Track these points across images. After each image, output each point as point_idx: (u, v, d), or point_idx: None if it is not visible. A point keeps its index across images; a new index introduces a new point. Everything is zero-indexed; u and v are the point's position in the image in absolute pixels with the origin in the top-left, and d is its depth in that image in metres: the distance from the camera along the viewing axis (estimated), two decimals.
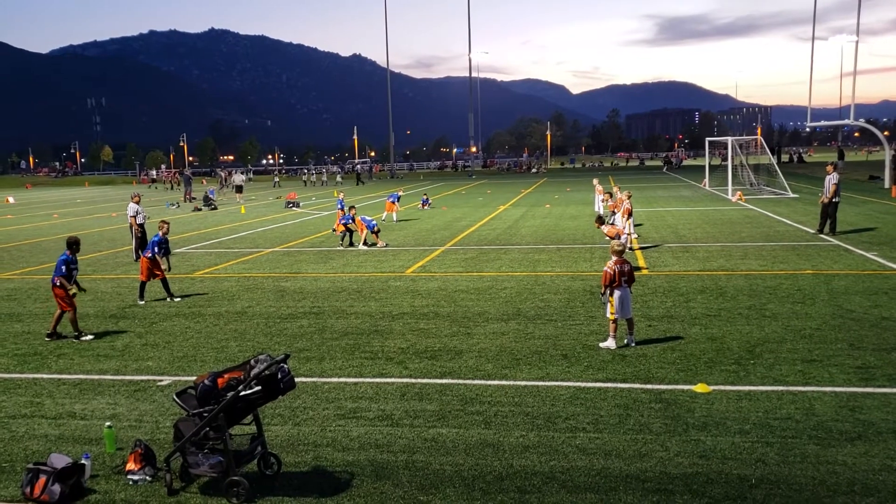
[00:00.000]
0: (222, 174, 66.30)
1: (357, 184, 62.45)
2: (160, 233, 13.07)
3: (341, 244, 19.73)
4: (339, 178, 70.30)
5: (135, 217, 18.45)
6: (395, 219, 26.53)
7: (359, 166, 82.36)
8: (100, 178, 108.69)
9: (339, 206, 22.90)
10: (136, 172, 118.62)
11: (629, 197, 18.62)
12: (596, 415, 6.87)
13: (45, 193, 65.03)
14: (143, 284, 12.93)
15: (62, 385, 8.33)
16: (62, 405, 7.65)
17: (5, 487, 5.78)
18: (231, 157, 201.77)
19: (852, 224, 20.81)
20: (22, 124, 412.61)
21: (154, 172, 77.30)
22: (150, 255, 12.86)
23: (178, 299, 12.90)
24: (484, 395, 7.51)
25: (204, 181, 72.16)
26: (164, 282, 12.94)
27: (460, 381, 7.98)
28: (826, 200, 18.80)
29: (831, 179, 18.81)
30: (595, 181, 29.19)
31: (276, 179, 68.02)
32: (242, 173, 60.69)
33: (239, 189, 44.36)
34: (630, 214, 18.17)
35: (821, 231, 18.86)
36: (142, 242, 18.19)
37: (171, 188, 64.54)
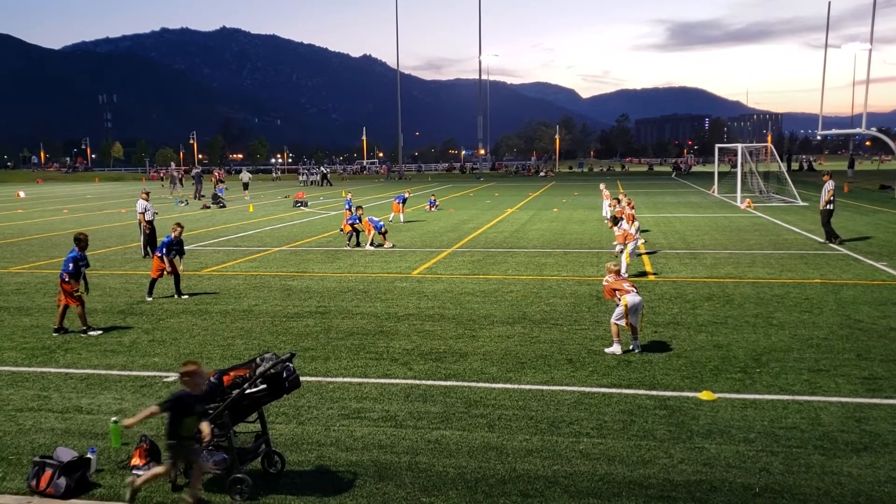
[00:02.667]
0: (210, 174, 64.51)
1: (321, 184, 62.74)
2: (172, 234, 13.05)
3: (348, 244, 19.77)
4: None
5: (143, 214, 18.53)
6: (402, 220, 26.57)
7: (324, 168, 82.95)
8: (110, 175, 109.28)
9: (347, 206, 22.97)
10: (146, 169, 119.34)
11: (629, 204, 18.69)
12: (600, 420, 6.86)
13: (56, 188, 65.45)
14: (153, 281, 12.95)
15: (69, 379, 8.39)
16: (69, 399, 7.70)
17: (12, 480, 5.83)
18: (240, 156, 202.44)
19: (861, 233, 20.69)
20: (34, 119, 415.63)
21: (194, 170, 73.10)
22: (159, 255, 12.91)
23: (186, 297, 12.95)
24: (488, 398, 7.51)
25: (213, 179, 72.40)
26: (176, 279, 13.03)
27: (465, 384, 7.98)
28: (822, 207, 18.96)
29: (827, 187, 19.00)
30: (602, 186, 29.13)
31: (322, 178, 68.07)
32: (250, 171, 61.06)
33: (245, 186, 44.89)
34: (633, 220, 18.15)
35: (829, 240, 18.80)
36: (150, 239, 18.28)
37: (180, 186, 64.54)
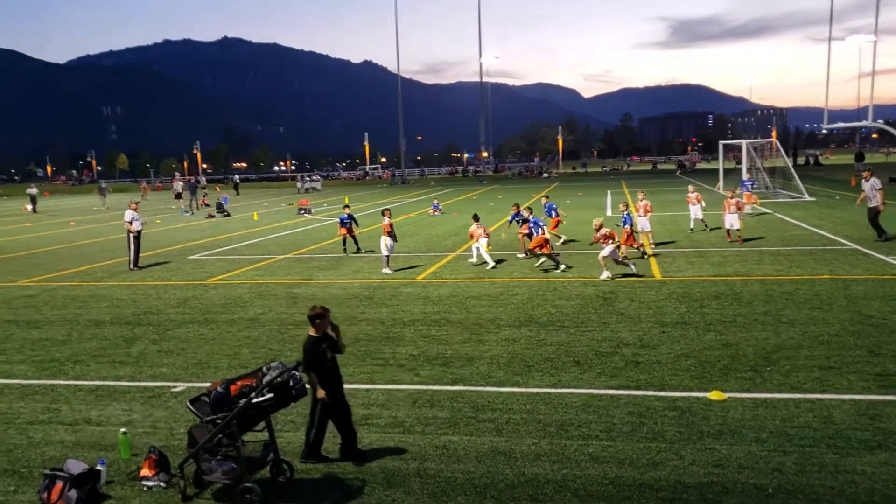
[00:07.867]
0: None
1: (237, 193, 62.44)
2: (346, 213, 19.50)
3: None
4: (319, 186, 70.02)
5: (131, 223, 18.26)
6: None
7: (236, 176, 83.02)
8: (115, 186, 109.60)
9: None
10: (151, 179, 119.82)
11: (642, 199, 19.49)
12: (609, 422, 6.82)
13: (63, 201, 65.76)
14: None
15: (78, 391, 8.41)
16: (78, 411, 7.72)
17: (23, 493, 5.85)
18: (244, 164, 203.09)
19: (870, 227, 20.54)
20: (40, 133, 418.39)
21: (203, 180, 69.80)
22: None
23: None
24: (496, 403, 7.48)
25: (218, 188, 72.75)
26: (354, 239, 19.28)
27: (472, 388, 7.96)
28: (876, 206, 18.59)
29: (875, 185, 18.69)
30: (607, 191, 29.08)
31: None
32: (181, 180, 60.89)
33: (178, 196, 45.13)
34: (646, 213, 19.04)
35: (882, 238, 18.61)
36: (138, 250, 18.15)
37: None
